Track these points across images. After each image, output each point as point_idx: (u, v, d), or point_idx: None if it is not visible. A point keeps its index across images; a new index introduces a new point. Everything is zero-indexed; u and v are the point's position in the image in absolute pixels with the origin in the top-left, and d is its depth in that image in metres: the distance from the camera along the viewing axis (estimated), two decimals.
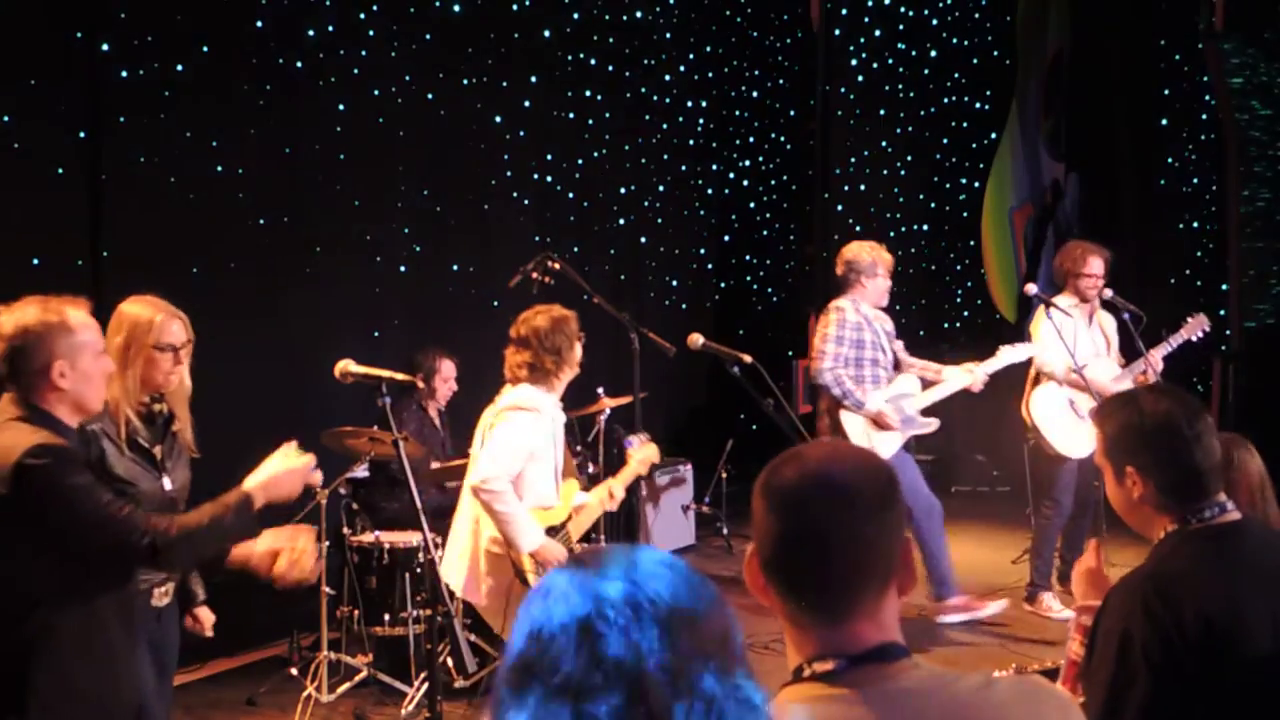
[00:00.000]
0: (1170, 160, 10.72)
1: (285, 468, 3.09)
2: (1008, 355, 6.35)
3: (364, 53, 7.45)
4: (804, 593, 1.52)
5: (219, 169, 6.76)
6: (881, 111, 10.42)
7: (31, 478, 2.67)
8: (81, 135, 6.16)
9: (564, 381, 4.49)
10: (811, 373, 6.24)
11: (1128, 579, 2.34)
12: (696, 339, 4.91)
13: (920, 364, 6.47)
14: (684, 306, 10.14)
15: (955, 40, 10.83)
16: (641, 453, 4.99)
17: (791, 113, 10.56)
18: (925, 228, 10.91)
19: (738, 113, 10.62)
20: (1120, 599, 2.30)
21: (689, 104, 10.16)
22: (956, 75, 10.82)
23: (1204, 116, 10.40)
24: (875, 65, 10.37)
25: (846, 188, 10.32)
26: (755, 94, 10.64)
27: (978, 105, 10.96)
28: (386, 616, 5.50)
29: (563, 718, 1.12)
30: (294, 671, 5.46)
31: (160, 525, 2.82)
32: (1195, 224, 10.65)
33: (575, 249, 8.59)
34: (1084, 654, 2.37)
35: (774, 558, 1.54)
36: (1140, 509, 2.40)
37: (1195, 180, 10.60)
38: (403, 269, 7.85)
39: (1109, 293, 6.40)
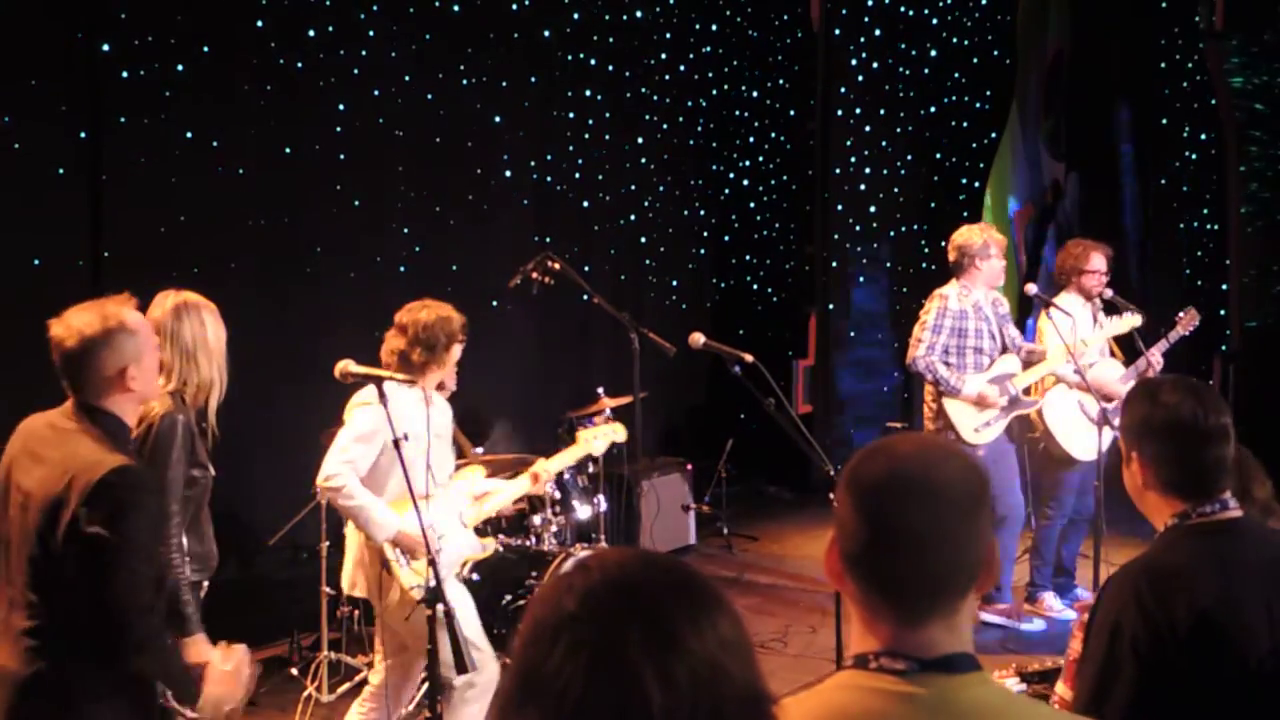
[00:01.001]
0: (1170, 160, 10.71)
1: (220, 688, 3.08)
2: (1112, 327, 6.34)
3: (364, 53, 7.46)
4: (887, 591, 1.48)
5: (219, 169, 6.76)
6: (881, 111, 10.40)
7: (108, 496, 2.71)
8: (82, 135, 6.16)
9: (431, 378, 4.44)
10: (907, 361, 6.25)
11: (1123, 571, 2.36)
12: (697, 338, 4.91)
13: (1030, 346, 6.43)
14: (684, 306, 10.13)
15: (955, 40, 10.81)
16: (593, 432, 5.01)
17: (791, 113, 10.55)
18: (925, 228, 10.89)
19: (738, 113, 10.61)
20: (1114, 591, 2.31)
21: (689, 104, 10.15)
22: (956, 75, 10.81)
23: (1204, 116, 10.39)
24: (875, 65, 10.36)
25: (846, 188, 10.30)
26: (755, 94, 10.63)
27: (978, 105, 10.95)
28: None
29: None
30: (294, 671, 5.46)
31: (154, 620, 2.84)
32: (1195, 224, 10.65)
33: (575, 249, 8.58)
34: (1080, 648, 2.38)
35: (859, 554, 1.48)
36: (1145, 495, 2.43)
37: (1196, 180, 10.59)
38: (403, 269, 7.85)
39: (1109, 293, 6.40)
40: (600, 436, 5.02)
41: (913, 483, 1.47)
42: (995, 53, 10.96)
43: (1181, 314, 6.55)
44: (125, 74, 6.33)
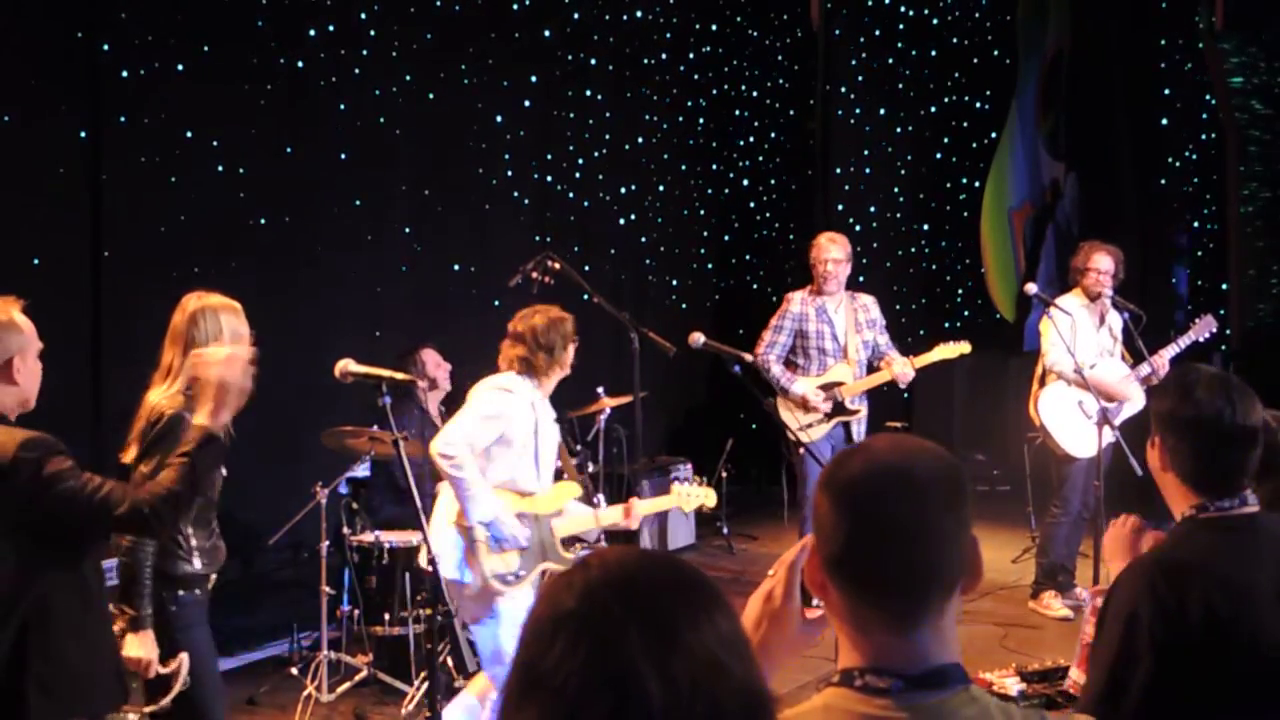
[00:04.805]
0: (1170, 160, 10.71)
1: (217, 375, 3.08)
2: (939, 352, 6.56)
3: (364, 52, 7.46)
4: (873, 590, 1.45)
5: (219, 169, 6.76)
6: (881, 111, 10.41)
7: (26, 470, 2.79)
8: (82, 135, 6.16)
9: (553, 380, 4.61)
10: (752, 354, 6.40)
11: (1138, 561, 2.37)
12: (697, 338, 4.93)
13: (891, 356, 6.58)
14: (684, 306, 10.14)
15: (955, 40, 10.82)
16: (687, 490, 5.10)
17: (791, 113, 10.55)
18: (925, 228, 10.90)
19: (738, 113, 10.62)
20: (1129, 581, 2.33)
21: (689, 104, 10.15)
22: (956, 75, 10.82)
23: (1204, 116, 10.39)
24: (875, 65, 10.36)
25: (846, 188, 10.31)
26: (755, 94, 10.64)
27: (978, 105, 10.96)
28: (386, 616, 5.49)
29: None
30: (294, 671, 5.46)
31: (140, 494, 2.93)
32: (1195, 224, 10.65)
33: (575, 249, 8.58)
34: (1093, 635, 2.39)
35: (842, 554, 1.46)
36: (1164, 477, 2.43)
37: (1195, 180, 10.59)
38: (403, 269, 7.85)
39: (1109, 293, 6.40)
40: (693, 496, 5.10)
41: (892, 476, 1.46)
42: (995, 53, 10.96)
43: (1198, 319, 6.56)
44: (125, 74, 6.33)
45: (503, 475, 4.49)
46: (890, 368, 6.41)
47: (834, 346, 6.48)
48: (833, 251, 6.51)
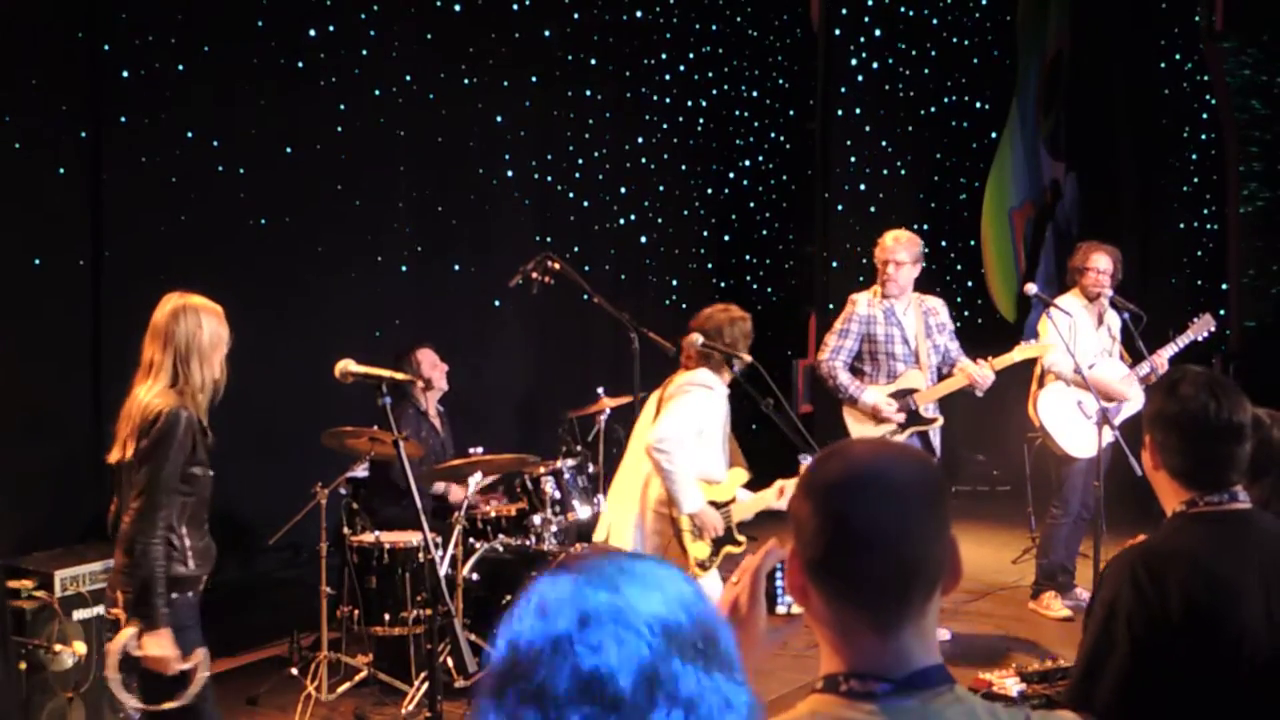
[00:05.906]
0: (1170, 160, 10.70)
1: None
2: (1021, 351, 6.23)
3: (364, 52, 7.46)
4: (855, 594, 1.44)
5: (219, 169, 6.76)
6: (881, 111, 10.40)
7: None
8: (82, 135, 6.16)
9: (728, 374, 4.93)
10: (815, 363, 6.25)
11: (1124, 553, 2.42)
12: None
13: (963, 363, 6.23)
14: (684, 306, 10.12)
15: (955, 40, 10.82)
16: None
17: (791, 113, 10.55)
18: (925, 228, 10.88)
19: (738, 113, 10.61)
20: (1113, 572, 2.37)
21: (689, 104, 10.15)
22: (956, 75, 10.82)
23: (1204, 116, 10.39)
24: (875, 65, 10.36)
25: (846, 188, 10.31)
26: (755, 94, 10.63)
27: (978, 105, 10.96)
28: (386, 616, 5.49)
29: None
30: (294, 671, 5.46)
31: None
32: (1195, 224, 10.65)
33: (575, 249, 8.58)
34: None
35: (823, 558, 1.45)
36: (1156, 475, 2.48)
37: (1195, 180, 10.59)
38: (403, 269, 7.85)
39: (1109, 293, 6.40)
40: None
41: (872, 479, 1.46)
42: (995, 53, 10.97)
43: (1196, 318, 6.55)
44: (125, 74, 6.33)
45: (700, 467, 4.77)
46: (965, 371, 6.06)
47: (904, 351, 6.11)
48: (898, 253, 6.20)
